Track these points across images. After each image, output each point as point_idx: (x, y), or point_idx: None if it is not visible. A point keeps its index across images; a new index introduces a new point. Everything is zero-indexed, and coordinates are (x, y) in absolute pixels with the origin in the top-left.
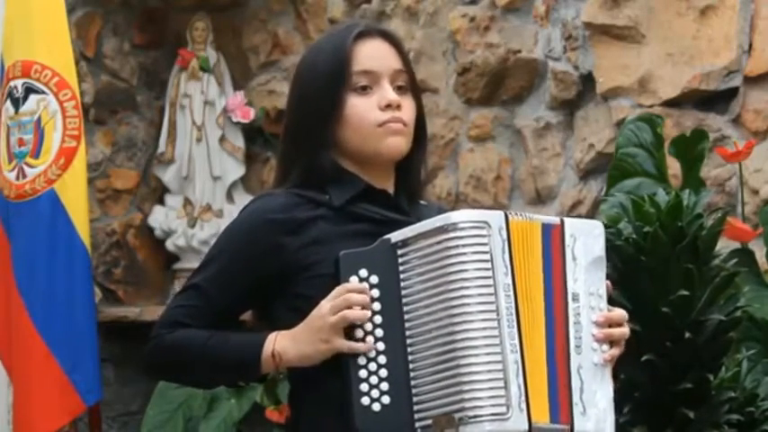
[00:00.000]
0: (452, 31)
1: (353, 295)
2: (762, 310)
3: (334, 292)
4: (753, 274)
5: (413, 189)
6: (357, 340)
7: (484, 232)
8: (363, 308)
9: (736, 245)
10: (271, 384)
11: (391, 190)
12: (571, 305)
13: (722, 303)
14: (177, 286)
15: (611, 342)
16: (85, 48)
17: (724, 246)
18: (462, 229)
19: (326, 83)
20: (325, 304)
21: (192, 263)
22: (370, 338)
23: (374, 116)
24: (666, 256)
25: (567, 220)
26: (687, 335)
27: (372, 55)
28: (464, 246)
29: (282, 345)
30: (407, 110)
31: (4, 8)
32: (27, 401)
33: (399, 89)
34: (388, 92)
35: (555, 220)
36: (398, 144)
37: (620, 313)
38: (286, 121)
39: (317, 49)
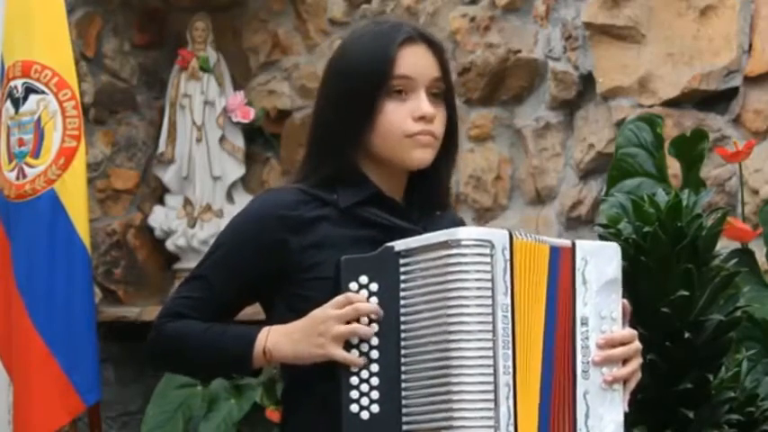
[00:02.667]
0: (452, 31)
1: (364, 305)
2: (762, 310)
3: (341, 300)
4: (753, 274)
5: (430, 198)
6: (352, 348)
7: (487, 251)
8: (371, 321)
9: (737, 245)
10: (271, 384)
11: (400, 196)
12: (579, 329)
13: (722, 303)
14: (177, 286)
15: (624, 362)
16: (85, 48)
17: (724, 246)
18: (466, 246)
19: (366, 86)
20: (331, 311)
21: (192, 263)
22: (364, 346)
23: (406, 126)
24: (666, 256)
25: (579, 243)
26: (687, 335)
27: (415, 62)
28: (466, 264)
29: (274, 341)
30: (439, 122)
31: (4, 8)
32: (27, 401)
33: (434, 96)
34: (424, 103)
35: (566, 243)
36: (424, 157)
37: (623, 334)
38: (314, 116)
39: (356, 47)
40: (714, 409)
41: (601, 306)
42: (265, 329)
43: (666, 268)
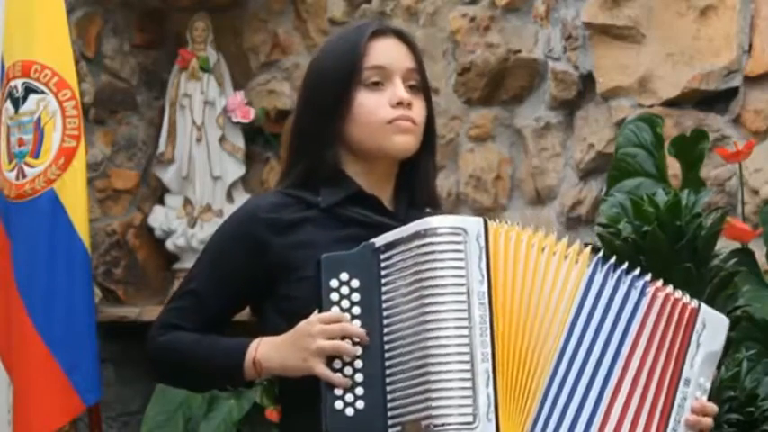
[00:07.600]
0: (452, 31)
1: (352, 327)
2: (762, 310)
3: (330, 316)
4: (752, 274)
5: (416, 196)
6: (335, 370)
7: (460, 239)
8: (355, 344)
9: (736, 245)
10: (270, 384)
11: (389, 193)
12: (681, 388)
13: (722, 303)
14: (177, 286)
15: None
16: (85, 48)
17: (724, 246)
18: (439, 234)
19: (337, 78)
20: (317, 324)
21: (192, 263)
22: (348, 370)
23: (384, 113)
24: (666, 255)
25: (704, 307)
26: None
27: (386, 52)
28: (439, 252)
29: (263, 353)
30: (418, 109)
31: (4, 8)
32: (27, 401)
33: (411, 88)
34: (399, 89)
35: (689, 300)
36: (407, 142)
37: (713, 407)
38: (293, 120)
39: (328, 48)
40: None
41: (700, 373)
42: (256, 341)
43: (666, 268)
